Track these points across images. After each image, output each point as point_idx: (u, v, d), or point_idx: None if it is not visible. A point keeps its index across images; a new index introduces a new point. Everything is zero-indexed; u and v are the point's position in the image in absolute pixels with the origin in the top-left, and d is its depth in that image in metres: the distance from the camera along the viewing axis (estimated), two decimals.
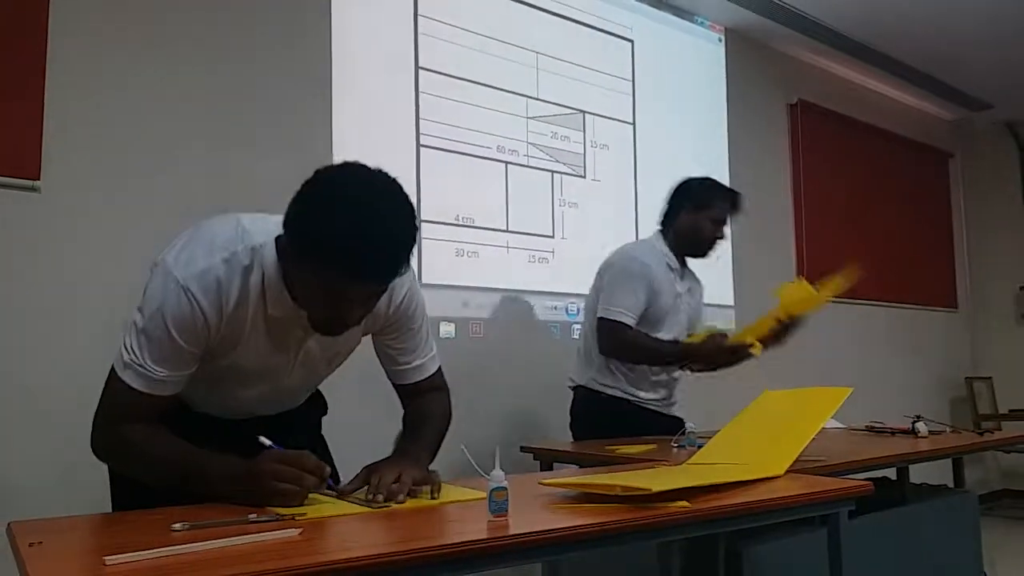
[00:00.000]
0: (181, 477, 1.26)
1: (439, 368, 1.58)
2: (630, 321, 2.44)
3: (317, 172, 1.23)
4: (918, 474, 2.51)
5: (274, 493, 1.19)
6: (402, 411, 1.58)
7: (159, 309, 1.23)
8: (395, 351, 1.52)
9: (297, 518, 1.11)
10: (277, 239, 1.27)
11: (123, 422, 1.27)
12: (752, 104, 4.50)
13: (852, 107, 5.06)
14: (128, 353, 1.25)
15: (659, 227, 2.65)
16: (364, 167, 1.23)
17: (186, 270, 1.24)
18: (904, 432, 2.48)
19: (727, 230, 2.62)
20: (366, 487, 1.28)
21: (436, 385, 1.58)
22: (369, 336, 1.51)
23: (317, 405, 1.66)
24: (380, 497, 1.24)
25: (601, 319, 2.46)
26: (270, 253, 1.27)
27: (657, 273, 2.51)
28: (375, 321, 1.43)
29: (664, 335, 2.52)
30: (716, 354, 2.47)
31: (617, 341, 2.45)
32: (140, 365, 1.24)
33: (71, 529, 1.06)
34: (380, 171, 1.23)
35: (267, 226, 1.29)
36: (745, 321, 4.21)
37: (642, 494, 1.21)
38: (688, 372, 2.61)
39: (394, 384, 1.57)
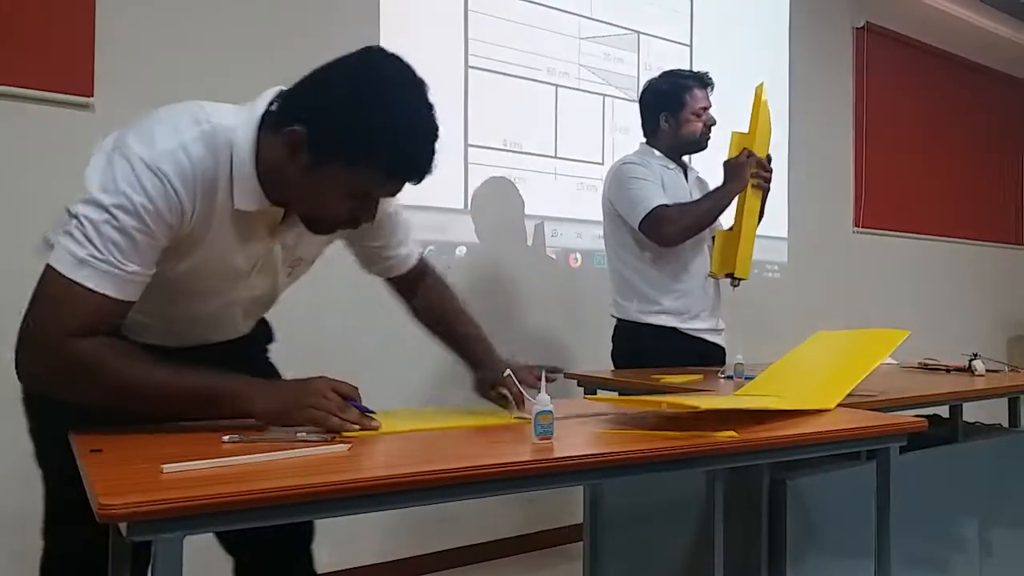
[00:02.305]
0: (188, 402, 1.12)
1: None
2: (663, 201, 2.37)
3: (344, 63, 1.15)
4: (973, 413, 2.46)
5: (317, 406, 1.14)
6: (405, 303, 1.55)
7: (126, 194, 1.05)
8: (380, 247, 1.45)
9: (345, 435, 1.13)
10: (269, 125, 1.15)
11: (83, 335, 1.05)
12: (816, 27, 4.28)
13: (924, 31, 4.79)
14: (83, 247, 1.04)
15: (644, 141, 2.58)
16: (387, 56, 1.16)
17: (152, 150, 1.08)
18: (960, 370, 2.43)
19: (713, 113, 2.54)
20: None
21: (428, 268, 1.55)
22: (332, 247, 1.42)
23: (265, 332, 1.54)
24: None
25: (641, 223, 2.38)
26: (244, 139, 1.14)
27: (656, 170, 2.46)
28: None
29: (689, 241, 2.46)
30: (742, 168, 2.42)
31: (667, 224, 2.36)
32: (103, 260, 1.05)
33: (128, 439, 1.10)
34: (402, 61, 1.16)
35: (232, 111, 1.18)
36: (798, 253, 4.12)
37: (689, 411, 1.20)
38: (732, 286, 2.57)
39: (386, 279, 1.52)
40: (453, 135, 2.95)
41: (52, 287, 1.06)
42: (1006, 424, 2.64)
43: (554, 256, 3.25)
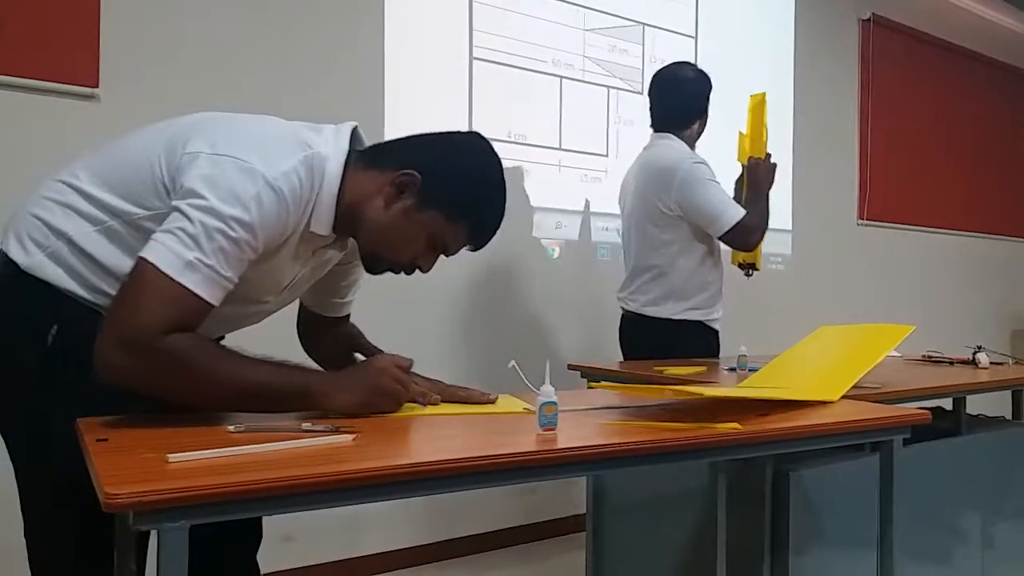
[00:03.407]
0: (278, 397, 1.16)
1: None
2: (741, 211, 2.42)
3: (459, 135, 1.36)
4: (976, 406, 2.45)
5: (392, 389, 1.22)
6: (313, 338, 1.58)
7: (247, 207, 1.11)
8: (344, 286, 1.53)
9: (344, 426, 1.13)
10: (359, 163, 1.26)
11: (176, 332, 1.09)
12: (821, 19, 4.27)
13: (930, 23, 4.76)
14: (191, 250, 1.08)
15: (669, 129, 2.57)
16: (490, 145, 1.36)
17: (273, 168, 1.14)
18: (964, 362, 2.43)
19: (716, 114, 2.63)
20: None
21: (348, 319, 1.62)
22: None
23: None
24: (436, 398, 1.35)
25: (729, 231, 2.40)
26: (334, 169, 1.22)
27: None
28: (344, 261, 1.46)
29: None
30: (770, 172, 2.54)
31: (753, 232, 2.44)
32: (209, 267, 1.09)
33: (133, 427, 1.10)
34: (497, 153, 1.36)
35: (324, 137, 1.25)
36: (802, 245, 4.12)
37: (693, 398, 1.21)
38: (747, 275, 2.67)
39: (320, 316, 1.55)
40: (457, 127, 2.93)
41: (153, 283, 1.08)
42: (1010, 417, 2.64)
43: (557, 248, 3.24)
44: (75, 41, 2.20)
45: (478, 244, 1.34)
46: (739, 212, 2.40)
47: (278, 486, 0.86)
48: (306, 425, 1.11)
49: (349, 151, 1.26)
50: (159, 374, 1.09)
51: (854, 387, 1.59)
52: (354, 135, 1.30)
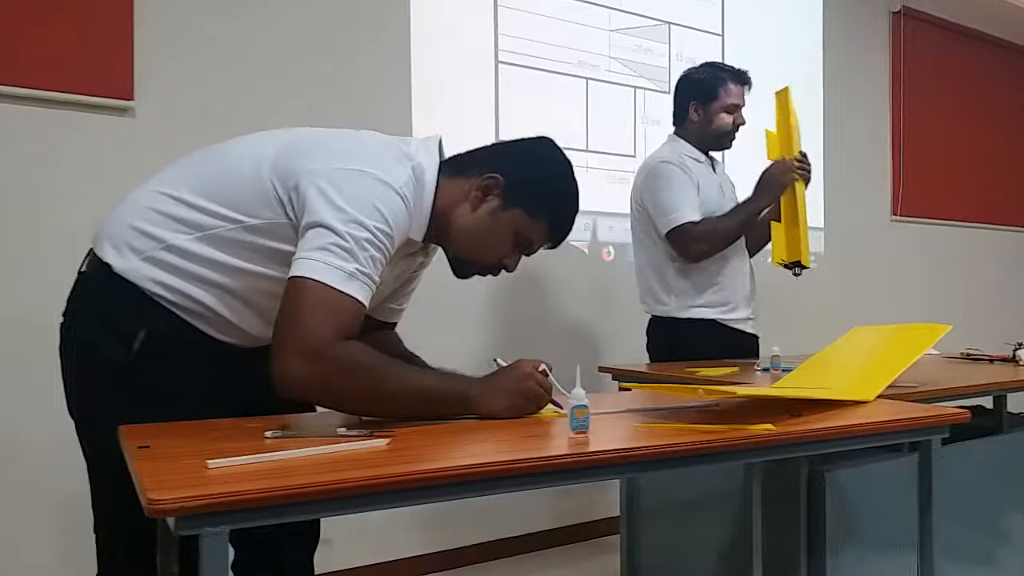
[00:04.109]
0: (443, 403, 1.23)
1: None
2: (692, 216, 2.36)
3: (531, 141, 1.43)
4: (1017, 403, 2.40)
5: (535, 393, 1.26)
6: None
7: (386, 218, 1.20)
8: (405, 294, 1.56)
9: (378, 431, 1.14)
10: (450, 171, 1.33)
11: (346, 340, 1.16)
12: (851, 12, 4.21)
13: (962, 13, 4.67)
14: (350, 262, 1.16)
15: (673, 129, 2.56)
16: (558, 147, 1.43)
17: (396, 178, 1.23)
18: (1004, 360, 2.39)
19: (745, 113, 2.50)
20: None
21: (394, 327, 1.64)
22: None
23: None
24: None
25: (668, 233, 2.39)
26: (431, 179, 1.30)
27: (689, 168, 2.43)
28: (418, 267, 1.52)
29: None
30: (779, 182, 2.41)
31: (695, 241, 2.37)
32: (365, 274, 1.17)
33: (174, 434, 1.12)
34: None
35: (416, 148, 1.32)
36: (835, 243, 4.06)
37: (726, 397, 1.20)
38: (793, 274, 2.54)
39: (375, 319, 1.53)
40: (484, 130, 2.96)
41: (322, 297, 1.14)
42: None
43: (587, 250, 3.24)
44: (110, 54, 2.25)
45: (557, 239, 1.41)
46: (687, 216, 2.35)
47: (315, 491, 0.88)
48: (341, 430, 1.12)
49: (440, 162, 1.34)
50: (339, 379, 1.16)
51: (890, 386, 1.57)
52: (439, 147, 1.37)
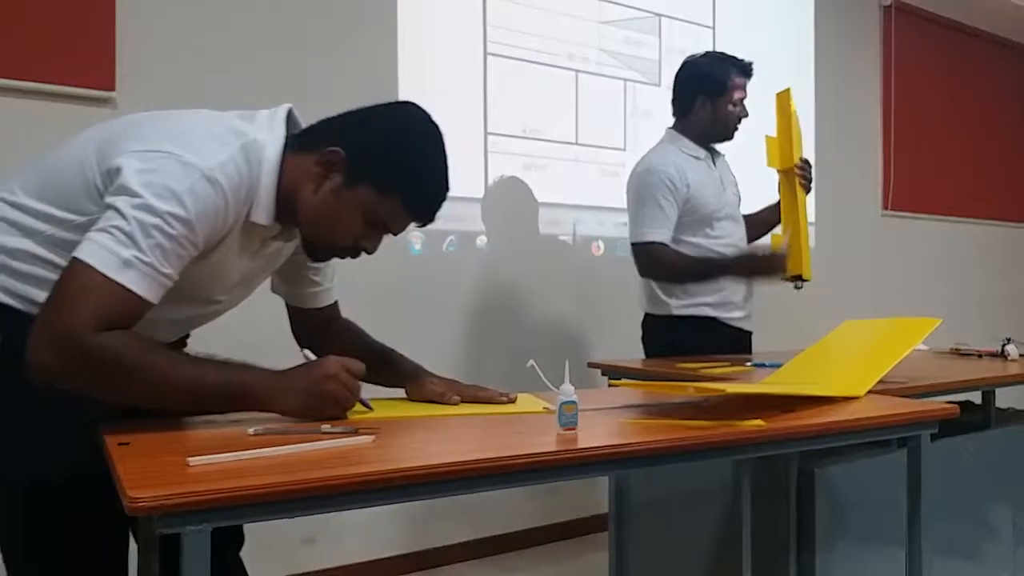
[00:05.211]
0: (217, 397, 1.13)
1: None
2: (662, 237, 2.35)
3: (386, 107, 1.27)
4: (1005, 399, 2.41)
5: (337, 396, 1.16)
6: (311, 339, 1.44)
7: (183, 202, 1.07)
8: (313, 271, 1.45)
9: (364, 427, 1.13)
10: (296, 146, 1.20)
11: (108, 330, 1.05)
12: (842, 6, 4.21)
13: (953, 7, 4.68)
14: (129, 248, 1.05)
15: (673, 122, 2.53)
16: (422, 111, 1.28)
17: (208, 160, 1.11)
18: (992, 355, 2.39)
19: (747, 104, 2.49)
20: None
21: (339, 312, 1.53)
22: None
23: (183, 342, 1.48)
24: (457, 399, 1.37)
25: (633, 245, 2.40)
26: (272, 155, 1.18)
27: (681, 170, 2.39)
28: (295, 251, 1.38)
29: (725, 227, 2.45)
30: (769, 269, 2.36)
31: (652, 263, 2.37)
32: (147, 263, 1.06)
33: (155, 431, 1.10)
34: (433, 119, 1.28)
35: (259, 123, 1.21)
36: (826, 237, 4.07)
37: (715, 395, 1.19)
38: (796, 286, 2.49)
39: (304, 309, 1.48)
40: (472, 123, 2.94)
41: (88, 283, 1.05)
42: None
43: (575, 244, 3.23)
44: (91, 45, 2.22)
45: (421, 218, 1.26)
46: (655, 236, 2.34)
47: (299, 488, 0.86)
48: (326, 427, 1.11)
49: (286, 136, 1.22)
50: (91, 373, 1.06)
51: (880, 382, 1.57)
52: (289, 118, 1.24)
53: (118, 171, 1.09)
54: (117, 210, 1.06)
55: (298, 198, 1.21)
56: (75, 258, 1.06)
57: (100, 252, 1.05)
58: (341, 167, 1.19)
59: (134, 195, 1.07)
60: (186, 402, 1.12)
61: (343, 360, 1.18)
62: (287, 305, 1.51)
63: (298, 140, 1.22)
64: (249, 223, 1.19)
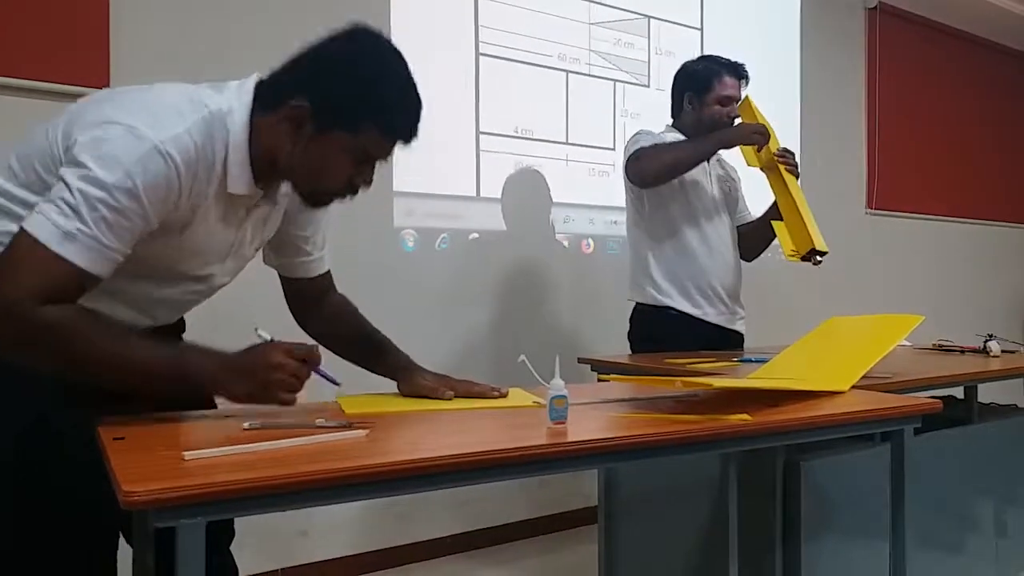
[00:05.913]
0: (157, 377, 1.12)
1: None
2: (647, 143, 2.39)
3: (334, 40, 1.26)
4: (987, 394, 2.45)
5: (281, 385, 1.14)
6: (305, 313, 1.48)
7: (130, 174, 1.05)
8: (306, 237, 1.43)
9: (358, 422, 1.14)
10: (262, 108, 1.18)
11: (50, 304, 1.04)
12: (828, 8, 4.24)
13: (937, 10, 4.72)
14: (71, 220, 1.04)
15: (671, 122, 2.57)
16: (373, 32, 1.28)
17: (161, 132, 1.08)
18: (975, 351, 2.43)
19: (736, 107, 2.52)
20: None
21: (333, 285, 1.52)
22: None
23: (180, 324, 1.47)
24: (450, 393, 1.38)
25: (625, 168, 2.43)
26: (239, 123, 1.17)
27: (668, 139, 2.45)
28: (280, 217, 1.37)
29: (707, 225, 2.48)
30: (737, 133, 2.43)
31: (645, 160, 2.36)
32: (90, 236, 1.04)
33: (150, 426, 1.11)
34: (385, 37, 1.28)
35: (222, 95, 1.19)
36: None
37: (703, 389, 1.21)
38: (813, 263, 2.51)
39: (296, 279, 1.47)
40: (464, 123, 2.95)
41: (29, 254, 1.04)
42: (1021, 405, 2.63)
43: (566, 242, 3.25)
44: (85, 42, 2.21)
45: (404, 138, 1.24)
46: (643, 144, 2.38)
47: (293, 482, 0.87)
48: (320, 421, 1.12)
49: (255, 101, 1.20)
50: (30, 346, 1.05)
51: (864, 377, 1.59)
52: (259, 87, 1.23)
53: (74, 143, 1.08)
54: (65, 182, 1.05)
55: (278, 158, 1.20)
56: (21, 229, 1.05)
57: (44, 224, 1.04)
58: (309, 118, 1.18)
59: (81, 166, 1.05)
60: (124, 380, 1.10)
61: (286, 346, 1.16)
62: (280, 277, 1.49)
63: (262, 101, 1.21)
64: (227, 194, 1.19)
